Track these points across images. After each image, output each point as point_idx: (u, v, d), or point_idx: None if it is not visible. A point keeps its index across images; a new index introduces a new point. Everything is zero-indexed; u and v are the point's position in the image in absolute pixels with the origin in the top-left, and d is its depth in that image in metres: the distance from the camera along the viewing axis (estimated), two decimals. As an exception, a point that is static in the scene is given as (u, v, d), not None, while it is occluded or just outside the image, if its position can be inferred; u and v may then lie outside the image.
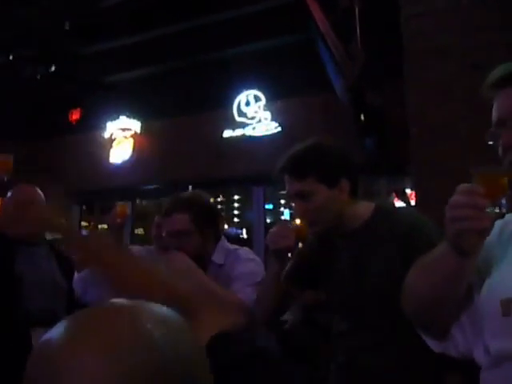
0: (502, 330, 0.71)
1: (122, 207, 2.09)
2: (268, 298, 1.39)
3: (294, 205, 1.32)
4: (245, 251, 1.81)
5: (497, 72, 0.81)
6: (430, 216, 1.24)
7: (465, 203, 0.68)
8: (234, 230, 7.71)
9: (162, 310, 0.49)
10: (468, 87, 2.27)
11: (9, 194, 2.03)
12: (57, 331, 0.46)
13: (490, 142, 0.81)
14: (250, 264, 1.69)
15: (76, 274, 3.53)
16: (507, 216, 0.84)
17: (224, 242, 1.79)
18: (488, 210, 0.70)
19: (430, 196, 2.25)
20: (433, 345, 0.84)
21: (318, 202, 1.25)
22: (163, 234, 2.04)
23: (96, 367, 0.41)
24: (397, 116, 3.74)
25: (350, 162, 1.31)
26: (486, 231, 0.69)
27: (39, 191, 2.00)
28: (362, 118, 4.24)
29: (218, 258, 1.71)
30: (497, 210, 0.73)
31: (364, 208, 1.31)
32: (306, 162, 1.26)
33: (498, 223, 0.83)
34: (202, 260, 1.69)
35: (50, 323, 1.77)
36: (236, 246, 1.82)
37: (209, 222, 1.71)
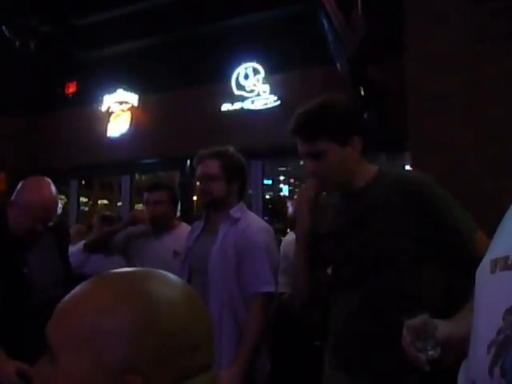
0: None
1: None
2: (305, 283, 1.39)
3: (305, 163, 1.28)
4: (260, 220, 1.96)
5: None
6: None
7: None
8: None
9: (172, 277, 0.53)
10: (467, 59, 2.22)
11: (19, 186, 1.79)
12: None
13: None
14: (264, 236, 1.80)
15: (73, 247, 3.55)
16: None
17: (244, 206, 1.93)
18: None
19: (427, 167, 2.24)
20: None
21: (331, 160, 1.23)
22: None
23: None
24: (397, 90, 3.69)
25: (359, 119, 1.28)
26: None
27: (43, 190, 1.79)
28: (362, 92, 4.18)
29: (235, 212, 1.84)
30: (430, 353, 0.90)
31: (369, 168, 1.31)
32: (315, 123, 1.22)
33: None
34: (221, 206, 1.84)
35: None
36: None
37: (236, 172, 1.86)
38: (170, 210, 2.37)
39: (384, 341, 1.16)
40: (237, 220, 1.82)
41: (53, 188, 1.83)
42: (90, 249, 2.53)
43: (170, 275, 0.54)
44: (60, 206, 1.98)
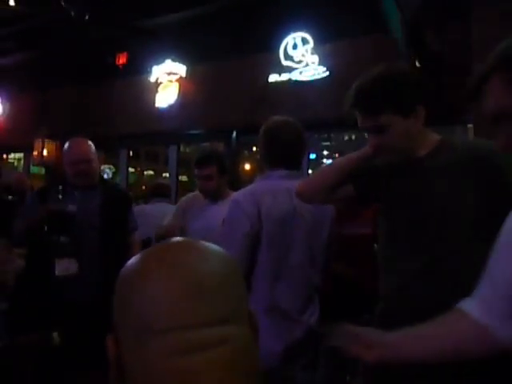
0: None
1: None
2: (334, 180, 1.33)
3: (368, 137, 1.25)
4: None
5: None
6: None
7: None
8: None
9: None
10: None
11: (66, 145, 2.27)
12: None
13: None
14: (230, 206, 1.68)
15: None
16: None
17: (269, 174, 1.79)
18: None
19: (490, 136, 2.11)
20: None
21: (395, 133, 1.19)
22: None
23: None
24: (457, 61, 3.49)
25: (423, 88, 1.23)
26: None
27: (89, 146, 2.27)
28: (418, 64, 3.99)
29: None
30: None
31: (433, 136, 1.27)
32: (378, 97, 1.16)
33: None
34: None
35: (74, 253, 2.00)
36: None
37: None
38: (220, 182, 2.39)
39: (445, 305, 1.14)
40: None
41: (81, 145, 2.26)
42: None
43: (211, 245, 0.57)
44: (108, 171, 2.40)
